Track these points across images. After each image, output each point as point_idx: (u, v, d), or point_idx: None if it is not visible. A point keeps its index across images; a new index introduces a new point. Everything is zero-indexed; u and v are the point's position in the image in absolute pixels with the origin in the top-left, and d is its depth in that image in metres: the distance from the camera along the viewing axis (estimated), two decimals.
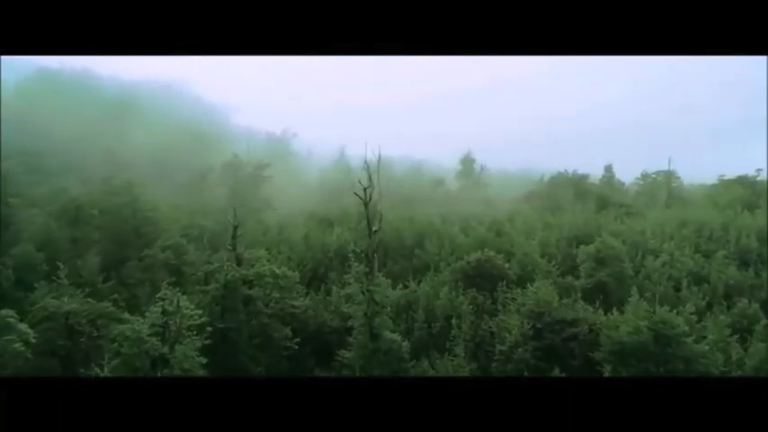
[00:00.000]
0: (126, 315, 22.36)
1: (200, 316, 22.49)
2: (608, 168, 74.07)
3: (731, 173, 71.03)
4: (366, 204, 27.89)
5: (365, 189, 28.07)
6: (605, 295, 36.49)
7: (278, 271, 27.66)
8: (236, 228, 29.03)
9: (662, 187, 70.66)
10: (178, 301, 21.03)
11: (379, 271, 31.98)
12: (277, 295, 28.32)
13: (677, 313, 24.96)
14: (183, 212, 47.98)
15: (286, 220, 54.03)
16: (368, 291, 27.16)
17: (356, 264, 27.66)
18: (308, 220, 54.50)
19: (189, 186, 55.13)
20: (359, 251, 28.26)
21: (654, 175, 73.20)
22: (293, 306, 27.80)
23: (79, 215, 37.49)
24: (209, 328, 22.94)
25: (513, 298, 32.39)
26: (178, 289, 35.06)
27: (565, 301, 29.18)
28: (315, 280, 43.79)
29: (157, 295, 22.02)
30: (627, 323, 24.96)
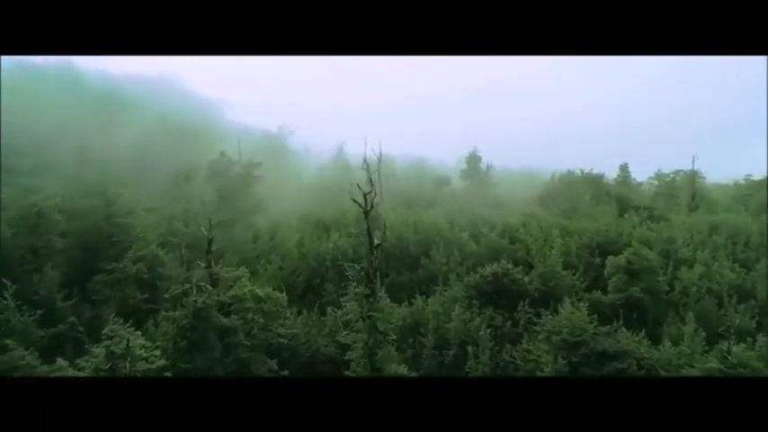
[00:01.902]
0: (59, 362, 17.74)
1: (160, 356, 17.88)
2: (623, 168, 69.10)
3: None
4: (367, 213, 23.23)
5: (365, 195, 23.39)
6: (640, 313, 32.07)
7: (261, 293, 22.98)
8: (210, 241, 24.33)
9: (682, 188, 65.97)
10: (128, 342, 16.43)
11: (381, 284, 27.45)
12: (261, 320, 23.63)
13: (747, 349, 20.38)
14: (161, 217, 43.19)
15: (279, 223, 49.36)
16: (368, 317, 22.59)
17: (354, 284, 23.08)
18: (302, 223, 49.86)
19: (172, 187, 50.24)
20: (358, 268, 23.62)
21: (672, 175, 68.37)
22: (279, 335, 23.06)
23: (40, 221, 32.75)
24: (167, 374, 18.30)
25: (536, 322, 27.94)
26: (151, 307, 31.16)
27: (605, 328, 24.49)
28: (309, 292, 39.53)
29: (103, 332, 17.43)
30: (685, 357, 20.36)
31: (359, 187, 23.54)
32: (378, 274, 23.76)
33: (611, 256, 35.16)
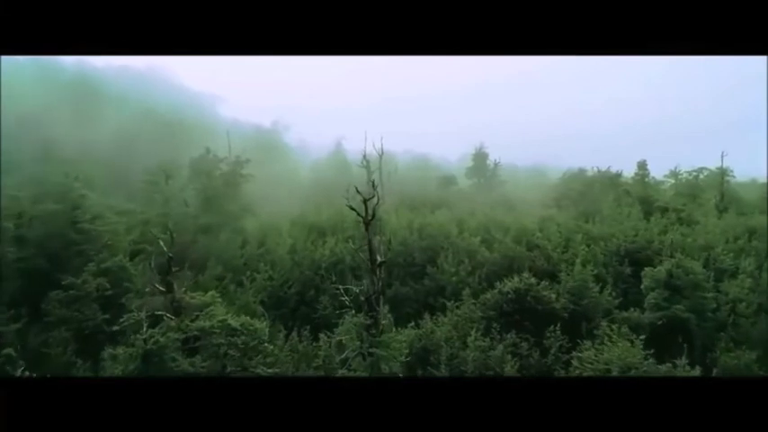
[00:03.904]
0: None
1: None
2: (641, 165, 64.25)
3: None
4: (367, 224, 18.60)
5: (365, 201, 18.77)
6: (685, 336, 27.45)
7: (235, 323, 18.33)
8: (170, 259, 19.63)
9: (704, 188, 61.25)
10: None
11: (383, 294, 22.80)
12: (237, 355, 18.99)
13: None
14: (135, 221, 38.49)
15: (269, 227, 44.66)
16: (369, 354, 17.98)
17: (352, 314, 18.45)
18: (294, 227, 45.14)
19: (150, 187, 45.40)
20: (357, 291, 18.97)
21: (695, 173, 63.63)
22: (259, 375, 18.37)
23: None
24: None
25: (569, 349, 23.40)
26: (114, 330, 26.42)
27: (663, 366, 19.87)
28: (302, 305, 35.12)
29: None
30: None
31: (358, 191, 18.91)
32: (381, 299, 19.11)
33: (647, 268, 30.51)
